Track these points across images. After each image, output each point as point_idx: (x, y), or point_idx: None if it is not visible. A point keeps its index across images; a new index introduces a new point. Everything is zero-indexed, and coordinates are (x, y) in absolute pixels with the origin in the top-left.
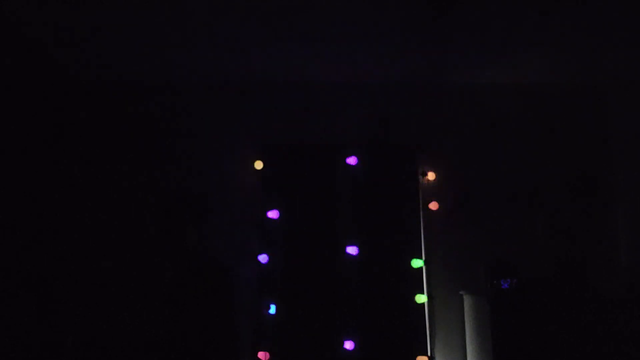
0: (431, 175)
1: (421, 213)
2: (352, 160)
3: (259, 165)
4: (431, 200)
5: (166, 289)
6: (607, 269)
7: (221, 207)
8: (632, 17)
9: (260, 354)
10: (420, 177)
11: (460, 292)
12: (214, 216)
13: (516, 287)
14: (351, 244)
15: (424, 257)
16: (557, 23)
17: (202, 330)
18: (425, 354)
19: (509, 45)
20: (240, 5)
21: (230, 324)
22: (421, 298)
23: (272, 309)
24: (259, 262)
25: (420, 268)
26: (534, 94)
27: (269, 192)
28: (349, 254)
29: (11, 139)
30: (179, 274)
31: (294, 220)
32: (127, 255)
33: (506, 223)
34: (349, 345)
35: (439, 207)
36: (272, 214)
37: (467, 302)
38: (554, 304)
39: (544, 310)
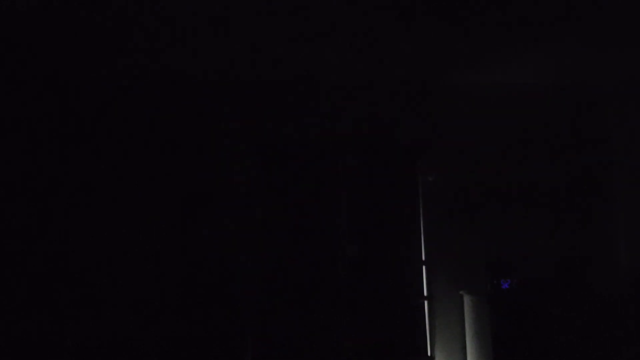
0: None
1: (421, 213)
2: (352, 160)
3: (259, 165)
4: (431, 200)
5: (166, 289)
6: (607, 269)
7: (221, 207)
8: (632, 17)
9: None
10: (420, 177)
11: (460, 292)
12: (214, 216)
13: (516, 287)
14: (351, 244)
15: (424, 257)
16: (557, 23)
17: (205, 330)
18: (425, 354)
19: (509, 45)
20: (241, 5)
21: (232, 324)
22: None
23: (272, 310)
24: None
25: (420, 268)
26: (534, 94)
27: (269, 192)
28: (349, 254)
29: (15, 137)
30: (179, 274)
31: (294, 221)
32: (127, 254)
33: (506, 223)
34: (349, 344)
35: (439, 206)
36: (272, 214)
37: (467, 302)
38: (554, 304)
39: (544, 310)
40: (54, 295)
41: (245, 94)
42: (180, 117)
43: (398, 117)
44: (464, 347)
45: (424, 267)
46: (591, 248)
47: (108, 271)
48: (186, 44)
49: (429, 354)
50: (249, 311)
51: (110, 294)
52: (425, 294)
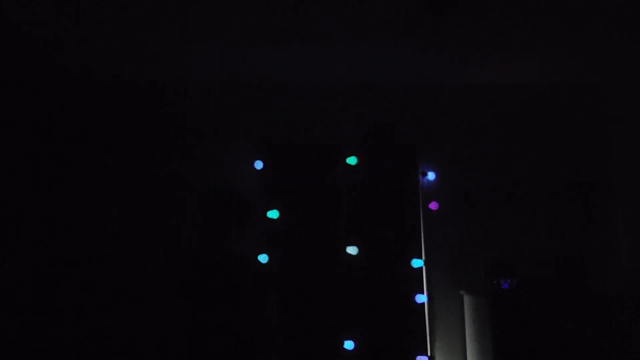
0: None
1: (421, 213)
2: (352, 160)
3: (259, 165)
4: (431, 200)
5: (167, 288)
6: (607, 269)
7: (220, 206)
8: (632, 17)
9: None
10: (420, 177)
11: (460, 292)
12: (213, 215)
13: (516, 287)
14: (351, 244)
15: (424, 257)
16: (557, 23)
17: (204, 330)
18: (425, 354)
19: (509, 45)
20: (241, 5)
21: (230, 324)
22: (418, 262)
23: (270, 309)
24: (259, 262)
25: (420, 268)
26: (534, 94)
27: (269, 192)
28: (349, 254)
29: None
30: (179, 274)
31: (294, 220)
32: (127, 254)
33: (506, 223)
34: (349, 345)
35: (439, 207)
36: (272, 214)
37: (467, 302)
38: (553, 304)
39: (544, 310)
40: (58, 296)
41: (248, 95)
42: (183, 117)
43: (398, 117)
44: (464, 347)
45: (424, 267)
46: (591, 248)
47: (114, 270)
48: (191, 46)
49: (429, 354)
50: (248, 311)
51: (116, 293)
52: (425, 294)
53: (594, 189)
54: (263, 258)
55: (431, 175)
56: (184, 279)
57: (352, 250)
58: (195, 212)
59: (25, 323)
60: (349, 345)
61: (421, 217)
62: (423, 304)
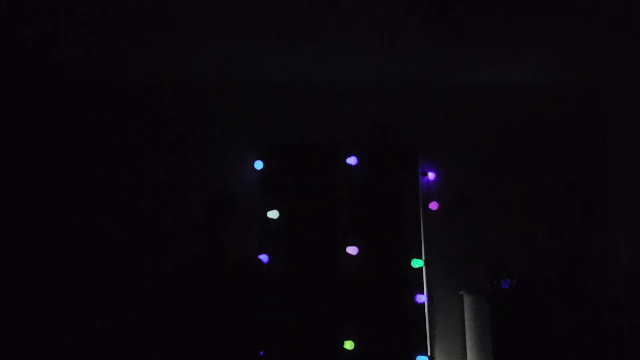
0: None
1: (421, 213)
2: (352, 160)
3: (259, 165)
4: (431, 200)
5: (166, 290)
6: (606, 270)
7: (221, 207)
8: (632, 17)
9: None
10: (420, 177)
11: (460, 292)
12: (214, 216)
13: (516, 287)
14: (351, 244)
15: (423, 257)
16: (557, 23)
17: (205, 329)
18: (425, 353)
19: (509, 45)
20: (241, 5)
21: (232, 324)
22: (418, 262)
23: (271, 309)
24: (259, 262)
25: (420, 268)
26: (534, 94)
27: (269, 192)
28: (349, 254)
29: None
30: (178, 273)
31: (294, 220)
32: (125, 254)
33: (506, 223)
34: (348, 344)
35: (439, 207)
36: (272, 214)
37: (467, 302)
38: (553, 304)
39: (543, 310)
40: (55, 296)
41: (248, 95)
42: (183, 118)
43: (398, 117)
44: (464, 347)
45: (424, 267)
46: (591, 248)
47: (116, 269)
48: (191, 46)
49: (429, 354)
50: (248, 311)
51: (116, 294)
52: (425, 294)
53: (594, 189)
54: (263, 258)
55: (431, 175)
56: (183, 279)
57: (352, 250)
58: (195, 213)
59: (26, 323)
60: (349, 345)
61: (421, 217)
62: (423, 304)
